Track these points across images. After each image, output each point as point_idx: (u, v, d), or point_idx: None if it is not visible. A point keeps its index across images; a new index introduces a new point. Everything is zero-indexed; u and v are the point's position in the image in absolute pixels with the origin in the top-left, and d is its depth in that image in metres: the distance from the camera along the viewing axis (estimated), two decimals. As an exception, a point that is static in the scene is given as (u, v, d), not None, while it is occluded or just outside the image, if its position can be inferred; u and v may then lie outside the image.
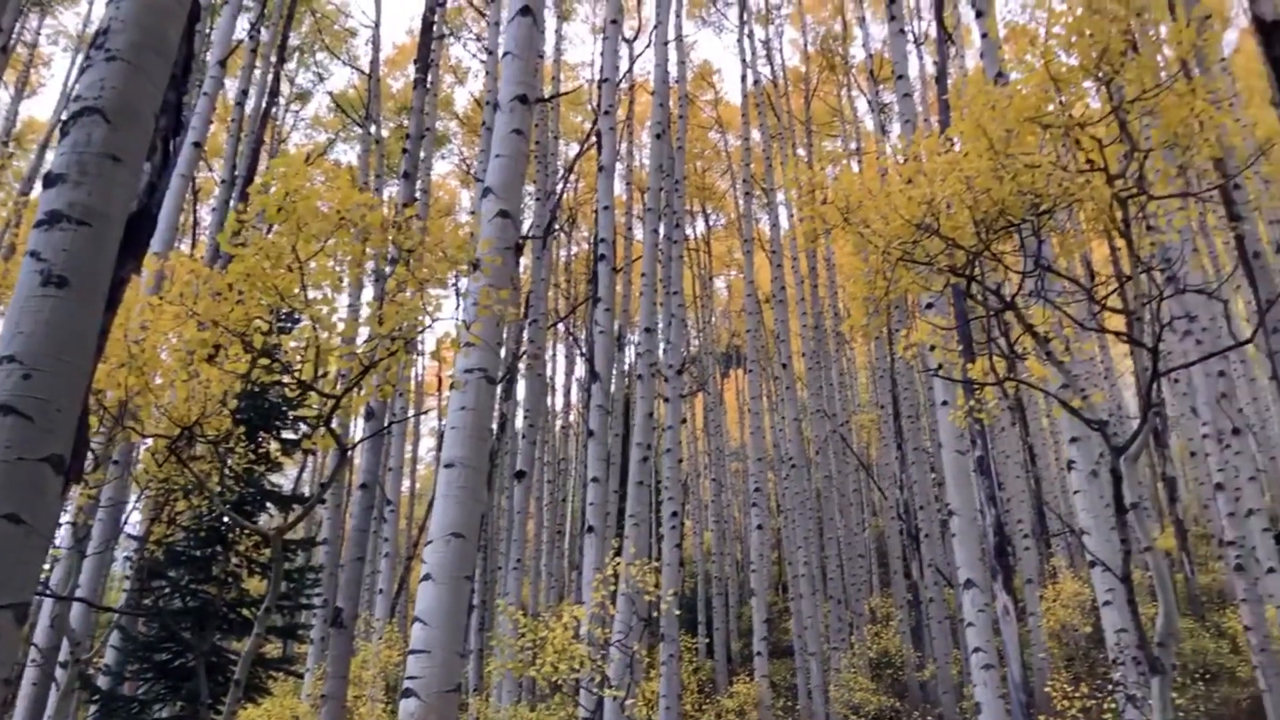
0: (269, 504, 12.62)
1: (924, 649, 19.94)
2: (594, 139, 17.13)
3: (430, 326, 5.43)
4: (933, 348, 7.52)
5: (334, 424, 5.83)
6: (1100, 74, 5.50)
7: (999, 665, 9.07)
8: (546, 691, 11.05)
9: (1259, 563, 11.73)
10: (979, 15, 9.32)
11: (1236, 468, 11.96)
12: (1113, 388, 26.36)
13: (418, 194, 14.69)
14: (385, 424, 12.48)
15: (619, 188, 26.38)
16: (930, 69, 24.55)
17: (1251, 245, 12.14)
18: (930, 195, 5.49)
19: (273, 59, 17.67)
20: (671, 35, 17.75)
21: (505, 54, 5.35)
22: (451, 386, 4.64)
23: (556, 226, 26.72)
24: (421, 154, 15.36)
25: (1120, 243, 5.48)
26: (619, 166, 25.12)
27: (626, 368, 28.51)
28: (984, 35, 8.80)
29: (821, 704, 17.97)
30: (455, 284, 30.34)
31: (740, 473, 35.33)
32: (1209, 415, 12.24)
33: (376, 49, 21.71)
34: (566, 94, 27.29)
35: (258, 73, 17.54)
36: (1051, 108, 5.55)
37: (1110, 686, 8.71)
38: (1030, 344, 5.78)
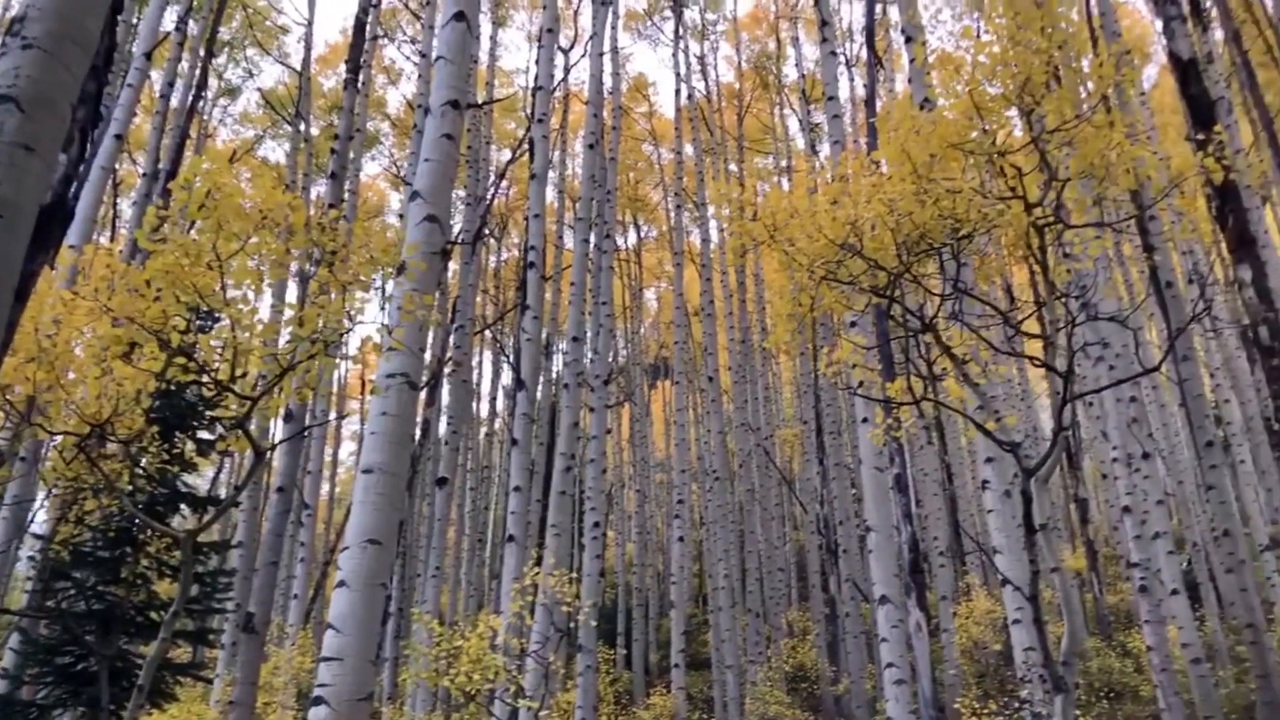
0: (182, 505, 12.37)
1: (840, 663, 20.14)
2: (526, 146, 17.10)
3: (352, 329, 5.38)
4: (854, 366, 7.63)
5: (252, 426, 5.73)
6: (1022, 103, 5.64)
7: (911, 681, 9.20)
8: (461, 701, 10.96)
9: (1163, 584, 12.07)
10: (908, 41, 9.49)
11: (1145, 491, 12.30)
12: (1029, 409, 26.95)
13: (345, 195, 14.52)
14: (304, 427, 12.30)
15: (551, 196, 26.36)
16: (861, 91, 24.92)
17: (1164, 275, 12.54)
18: (854, 216, 5.58)
19: (201, 52, 17.37)
20: (607, 46, 17.79)
21: (438, 58, 5.33)
22: (373, 391, 4.60)
23: (486, 232, 26.60)
24: (351, 155, 15.19)
25: (1039, 268, 5.62)
26: (551, 175, 25.11)
27: (554, 376, 28.44)
28: (912, 61, 8.98)
29: (737, 717, 18.06)
30: (381, 287, 30.05)
31: (665, 484, 35.44)
32: (1119, 439, 12.58)
33: (308, 47, 21.45)
34: (500, 100, 27.22)
35: (185, 66, 17.21)
36: (975, 135, 5.68)
37: (1018, 704, 8.90)
38: (948, 365, 5.90)
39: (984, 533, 23.97)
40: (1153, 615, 11.77)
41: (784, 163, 31.52)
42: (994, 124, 5.75)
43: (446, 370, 17.80)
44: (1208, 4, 18.86)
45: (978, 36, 5.83)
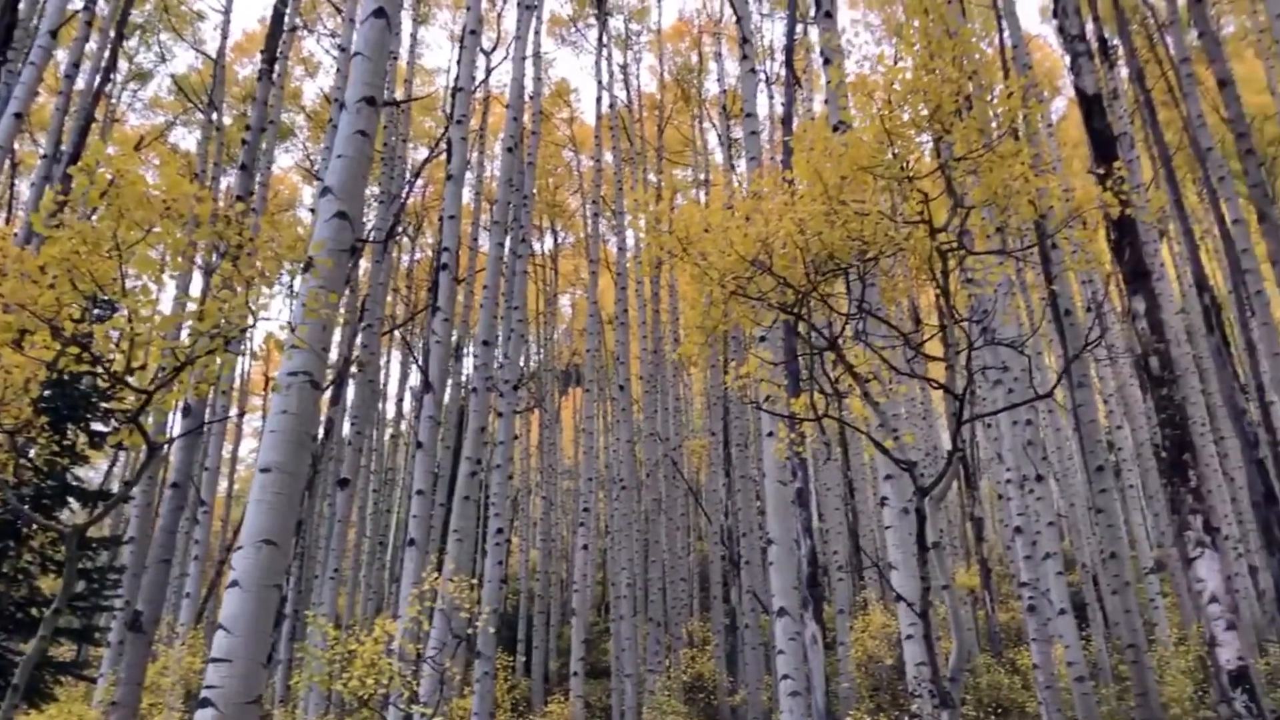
0: (71, 499, 12.00)
1: (738, 674, 20.32)
2: (444, 146, 16.96)
3: (254, 326, 5.28)
4: (761, 380, 7.71)
5: (149, 420, 5.58)
6: (933, 130, 5.78)
7: (806, 693, 9.32)
8: (354, 706, 10.79)
9: (1051, 604, 12.40)
10: (826, 63, 9.65)
11: (1037, 513, 12.62)
12: (930, 429, 27.53)
13: (256, 187, 14.23)
14: (202, 422, 12.02)
15: (467, 197, 26.21)
16: (780, 109, 25.24)
17: (1064, 303, 12.94)
18: (766, 234, 5.66)
19: (111, 34, 16.88)
20: (530, 51, 17.76)
21: (355, 54, 5.27)
22: (274, 388, 4.52)
23: (400, 231, 26.32)
24: (263, 147, 14.92)
25: (942, 292, 5.76)
26: (469, 176, 24.96)
27: (463, 380, 28.24)
28: (828, 83, 9.13)
29: (634, 725, 18.10)
30: (290, 284, 29.55)
31: (572, 491, 35.39)
32: (1013, 461, 12.91)
33: (225, 35, 21.04)
34: (419, 99, 26.98)
35: (93, 46, 16.72)
36: (887, 159, 5.80)
37: (908, 718, 9.08)
38: (851, 383, 6.01)
39: (884, 548, 24.42)
40: (1040, 634, 12.08)
41: (702, 176, 31.79)
42: (904, 149, 5.88)
43: (352, 370, 17.56)
44: (1115, 42, 19.58)
45: (894, 63, 5.96)
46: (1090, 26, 15.70)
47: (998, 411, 10.81)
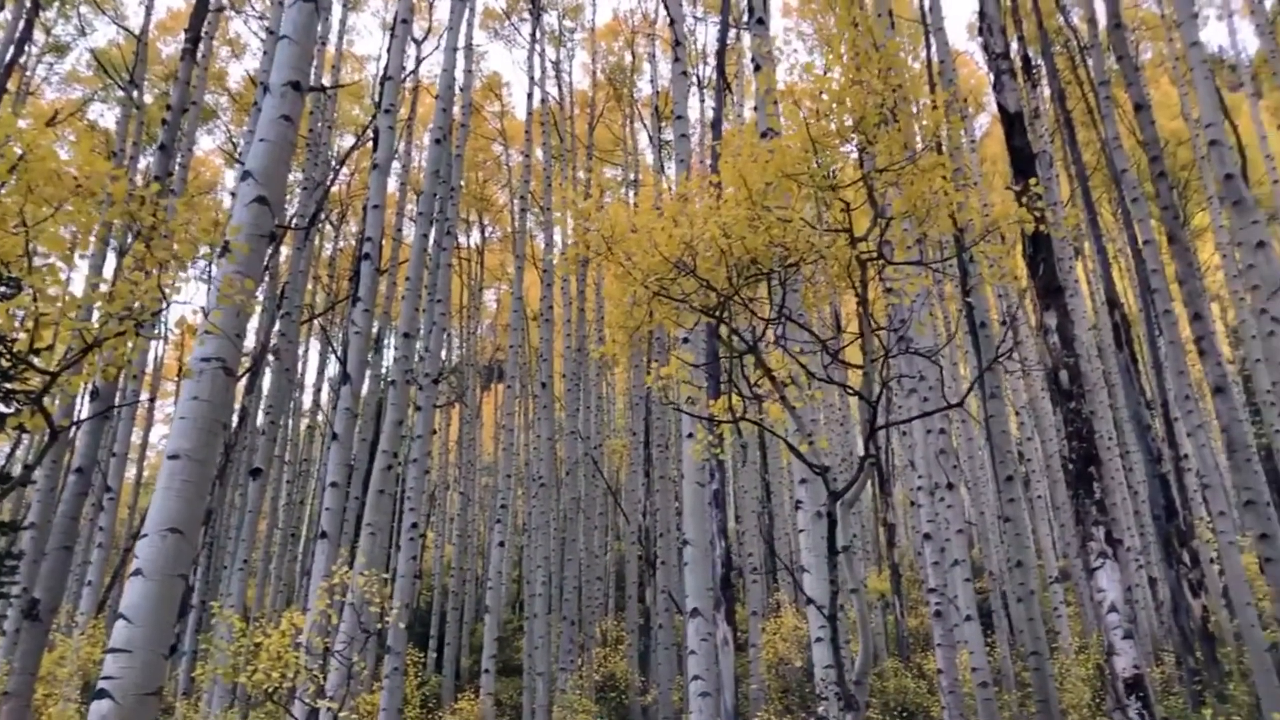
0: (-33, 482, 11.61)
1: (650, 674, 20.37)
2: (371, 135, 16.75)
3: (167, 309, 5.17)
4: (682, 381, 7.75)
5: (55, 402, 5.42)
6: (856, 141, 5.87)
7: (716, 693, 9.38)
8: (259, 699, 10.61)
9: (958, 610, 12.64)
10: (757, 69, 9.73)
11: (947, 520, 12.86)
12: (848, 434, 27.90)
13: (175, 168, 13.92)
14: (109, 406, 11.70)
15: (393, 186, 25.91)
16: (711, 113, 25.39)
17: (980, 315, 13.20)
18: (690, 236, 5.69)
19: (27, 3, 16.36)
20: (462, 42, 17.62)
21: (281, 37, 5.21)
22: (186, 374, 4.44)
23: (323, 218, 25.94)
24: (185, 127, 14.59)
25: (869, 296, 5.85)
26: (395, 165, 24.68)
27: (383, 371, 27.90)
28: (758, 89, 9.21)
29: (544, 723, 18.05)
30: (209, 268, 28.92)
31: (490, 488, 35.18)
32: (925, 468, 13.13)
33: (149, 12, 20.49)
34: (346, 86, 26.61)
35: (7, 15, 16.19)
36: (813, 167, 5.87)
37: None
38: (769, 386, 6.07)
39: (798, 551, 24.67)
40: (945, 639, 12.29)
41: (632, 176, 31.82)
42: (828, 158, 5.96)
43: (269, 358, 17.25)
44: (1038, 62, 20.05)
45: (824, 73, 6.04)
46: (1015, 45, 16.05)
47: (911, 419, 10.99)
